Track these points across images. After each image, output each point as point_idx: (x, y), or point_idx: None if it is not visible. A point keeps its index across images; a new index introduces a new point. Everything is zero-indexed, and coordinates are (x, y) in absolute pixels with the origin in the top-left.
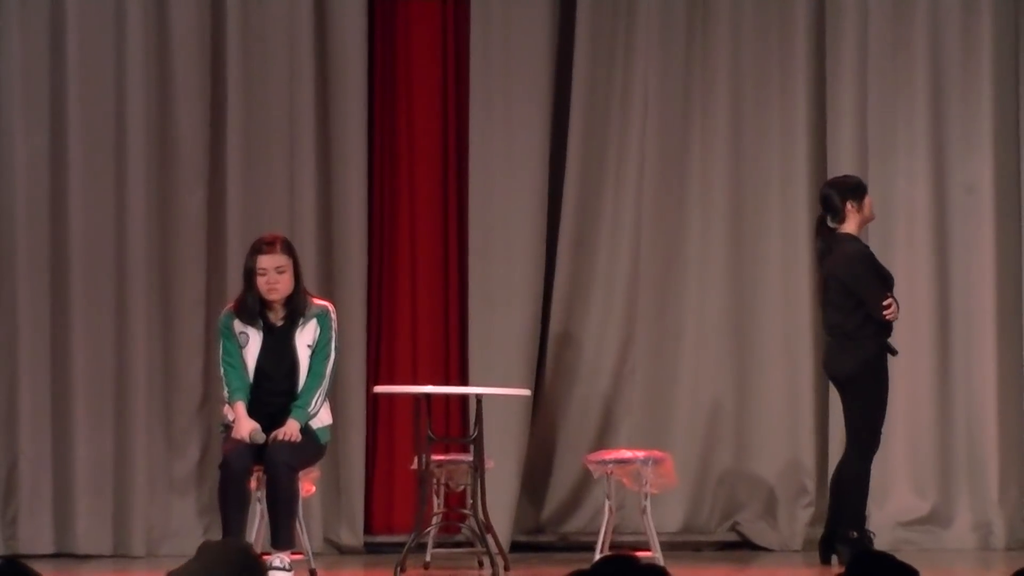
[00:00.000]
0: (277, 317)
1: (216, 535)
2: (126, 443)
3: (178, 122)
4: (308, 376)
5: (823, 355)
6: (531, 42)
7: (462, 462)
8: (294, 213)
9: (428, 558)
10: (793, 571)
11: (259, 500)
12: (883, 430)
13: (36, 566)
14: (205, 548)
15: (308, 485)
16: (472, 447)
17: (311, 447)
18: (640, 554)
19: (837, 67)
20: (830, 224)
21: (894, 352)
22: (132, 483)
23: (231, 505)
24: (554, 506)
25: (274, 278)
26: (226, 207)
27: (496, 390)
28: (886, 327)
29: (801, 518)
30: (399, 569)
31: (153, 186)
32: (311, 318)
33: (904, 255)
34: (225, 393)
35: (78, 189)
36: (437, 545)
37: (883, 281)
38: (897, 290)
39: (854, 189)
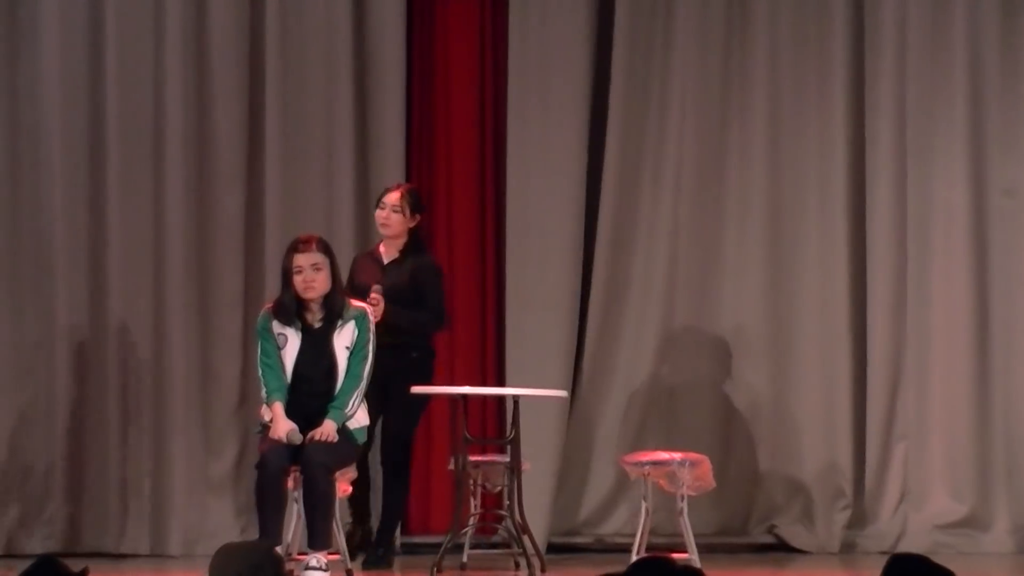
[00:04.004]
0: (315, 318)
1: (253, 535)
2: (164, 443)
3: (216, 123)
4: (345, 377)
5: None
6: (569, 45)
7: (499, 463)
8: (332, 214)
9: (465, 559)
10: (830, 573)
11: (296, 500)
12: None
13: (73, 565)
14: (225, 551)
15: (344, 486)
16: (509, 448)
17: (347, 448)
18: (676, 556)
19: (875, 70)
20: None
21: None
22: (169, 483)
23: (268, 505)
24: (591, 507)
25: (310, 276)
26: (264, 208)
27: (533, 392)
28: None
29: (838, 521)
30: (435, 570)
31: (191, 187)
32: (349, 320)
33: (942, 259)
34: (263, 394)
35: (116, 190)
36: (473, 546)
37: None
38: (935, 293)
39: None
